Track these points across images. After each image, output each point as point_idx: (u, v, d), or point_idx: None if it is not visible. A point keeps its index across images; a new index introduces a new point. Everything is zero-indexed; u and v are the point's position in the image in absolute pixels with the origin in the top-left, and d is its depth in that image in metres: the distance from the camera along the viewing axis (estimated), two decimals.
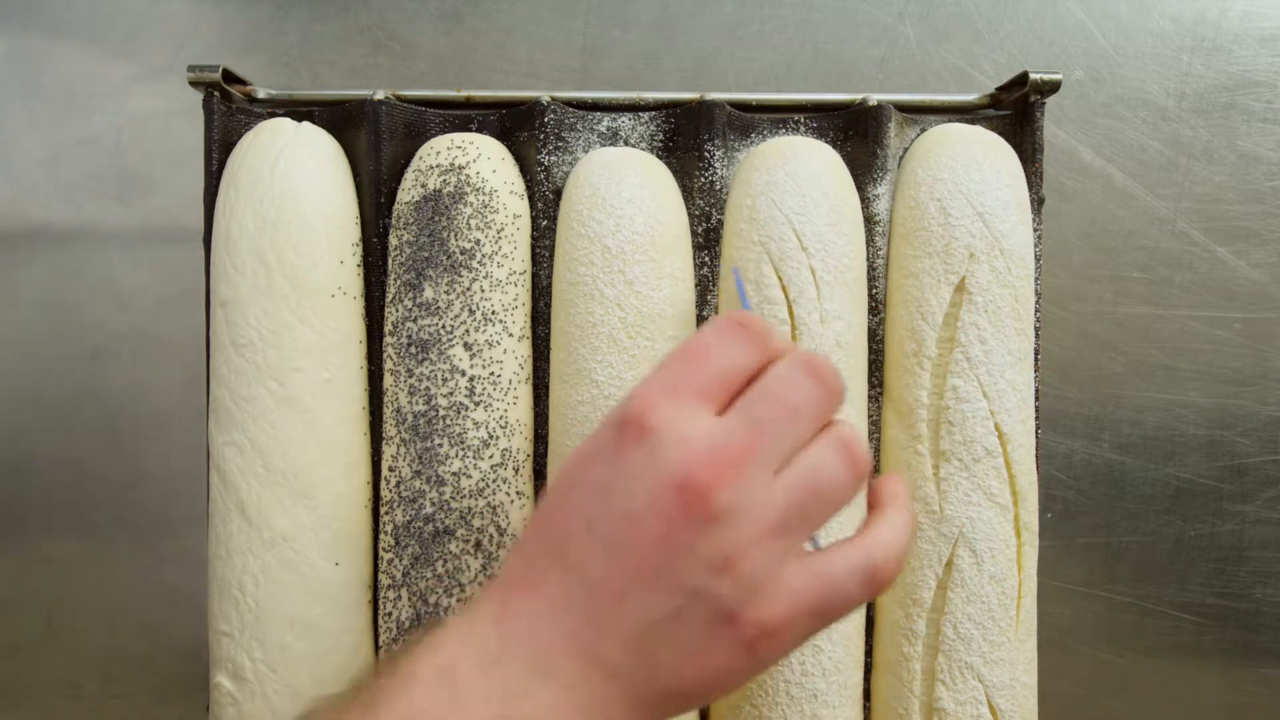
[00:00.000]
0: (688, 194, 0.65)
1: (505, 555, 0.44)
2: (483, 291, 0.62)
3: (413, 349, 0.62)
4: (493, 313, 0.62)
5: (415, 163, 0.65)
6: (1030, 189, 0.64)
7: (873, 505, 0.47)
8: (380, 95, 0.65)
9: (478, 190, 0.63)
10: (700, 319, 0.64)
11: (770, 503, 0.40)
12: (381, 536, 0.63)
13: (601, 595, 0.39)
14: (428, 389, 0.61)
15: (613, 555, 0.40)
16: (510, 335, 0.62)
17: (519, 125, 0.66)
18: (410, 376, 0.62)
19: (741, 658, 0.40)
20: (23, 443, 0.83)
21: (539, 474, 0.64)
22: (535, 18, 0.82)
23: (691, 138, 0.65)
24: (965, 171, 0.62)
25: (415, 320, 0.62)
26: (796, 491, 0.41)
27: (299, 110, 0.67)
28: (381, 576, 0.63)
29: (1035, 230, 0.65)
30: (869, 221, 0.65)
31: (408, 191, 0.64)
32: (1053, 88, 0.64)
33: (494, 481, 0.61)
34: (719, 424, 0.41)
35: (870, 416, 0.65)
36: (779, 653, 0.41)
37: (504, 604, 0.41)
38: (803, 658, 0.59)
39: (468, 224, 0.62)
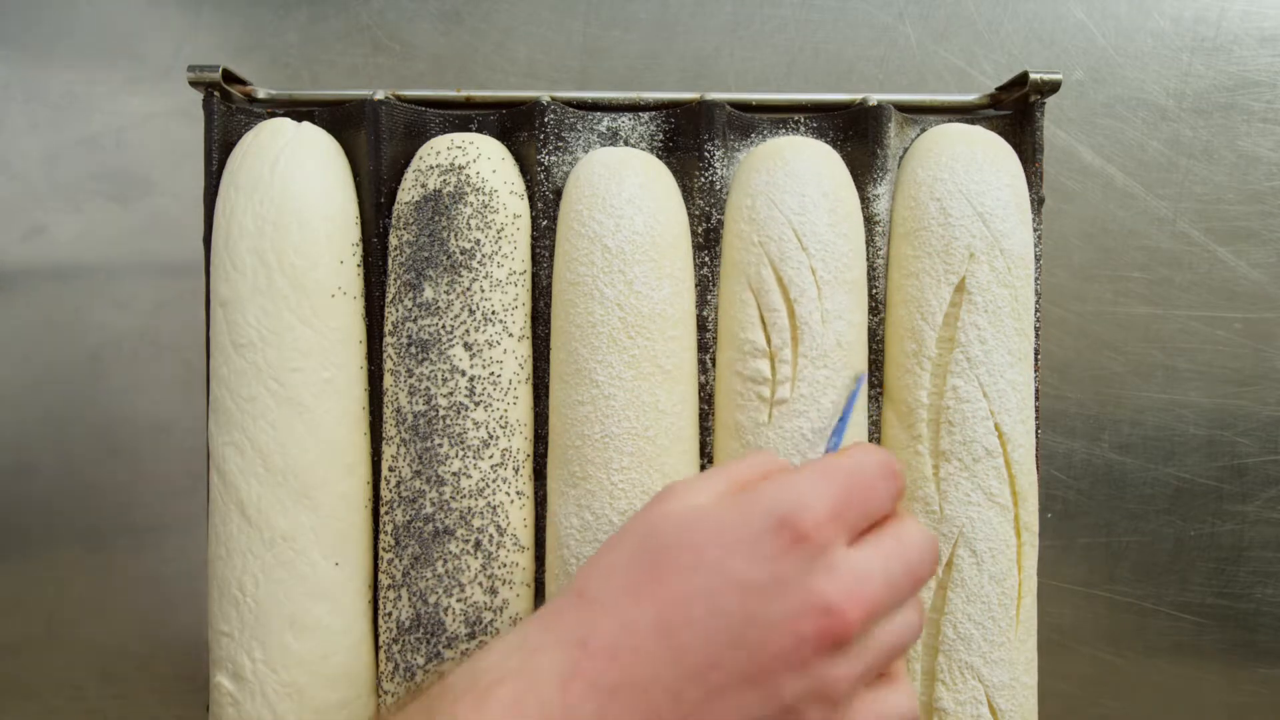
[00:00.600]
0: (688, 194, 0.65)
1: (574, 602, 0.42)
2: (483, 291, 0.62)
3: (413, 349, 0.62)
4: (493, 313, 0.62)
5: (415, 163, 0.65)
6: (1030, 189, 0.64)
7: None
8: (380, 95, 0.65)
9: (478, 190, 0.63)
10: (700, 319, 0.64)
11: (871, 650, 0.42)
12: (381, 536, 0.63)
13: (699, 686, 0.39)
14: (428, 389, 0.61)
15: (730, 651, 0.39)
16: (510, 335, 0.62)
17: (519, 125, 0.66)
18: (410, 376, 0.62)
19: None
20: (23, 444, 0.83)
21: (539, 474, 0.64)
22: (535, 18, 0.81)
23: (691, 138, 0.65)
24: (965, 171, 0.62)
25: (415, 320, 0.62)
26: (888, 648, 0.43)
27: (299, 110, 0.67)
28: (381, 576, 0.63)
29: (1035, 230, 0.65)
30: (869, 221, 0.65)
31: (408, 191, 0.64)
32: (1053, 88, 0.64)
33: (494, 481, 0.61)
34: (860, 564, 0.42)
35: (870, 416, 0.65)
36: None
37: (577, 666, 0.39)
38: None
39: (468, 224, 0.62)
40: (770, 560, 0.40)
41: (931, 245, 0.62)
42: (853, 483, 0.43)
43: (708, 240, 0.65)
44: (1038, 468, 0.63)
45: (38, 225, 0.83)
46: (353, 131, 0.66)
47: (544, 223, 0.65)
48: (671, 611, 0.40)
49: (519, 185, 0.65)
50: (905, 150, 0.66)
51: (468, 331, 0.61)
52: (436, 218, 0.62)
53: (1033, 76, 0.64)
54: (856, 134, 0.66)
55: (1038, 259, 0.65)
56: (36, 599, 0.83)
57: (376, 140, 0.65)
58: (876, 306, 0.65)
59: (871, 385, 0.65)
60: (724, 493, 0.45)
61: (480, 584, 0.61)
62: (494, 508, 0.61)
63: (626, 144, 0.67)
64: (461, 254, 0.62)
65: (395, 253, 0.64)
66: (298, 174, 0.62)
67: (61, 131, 0.83)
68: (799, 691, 0.39)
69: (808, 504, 0.41)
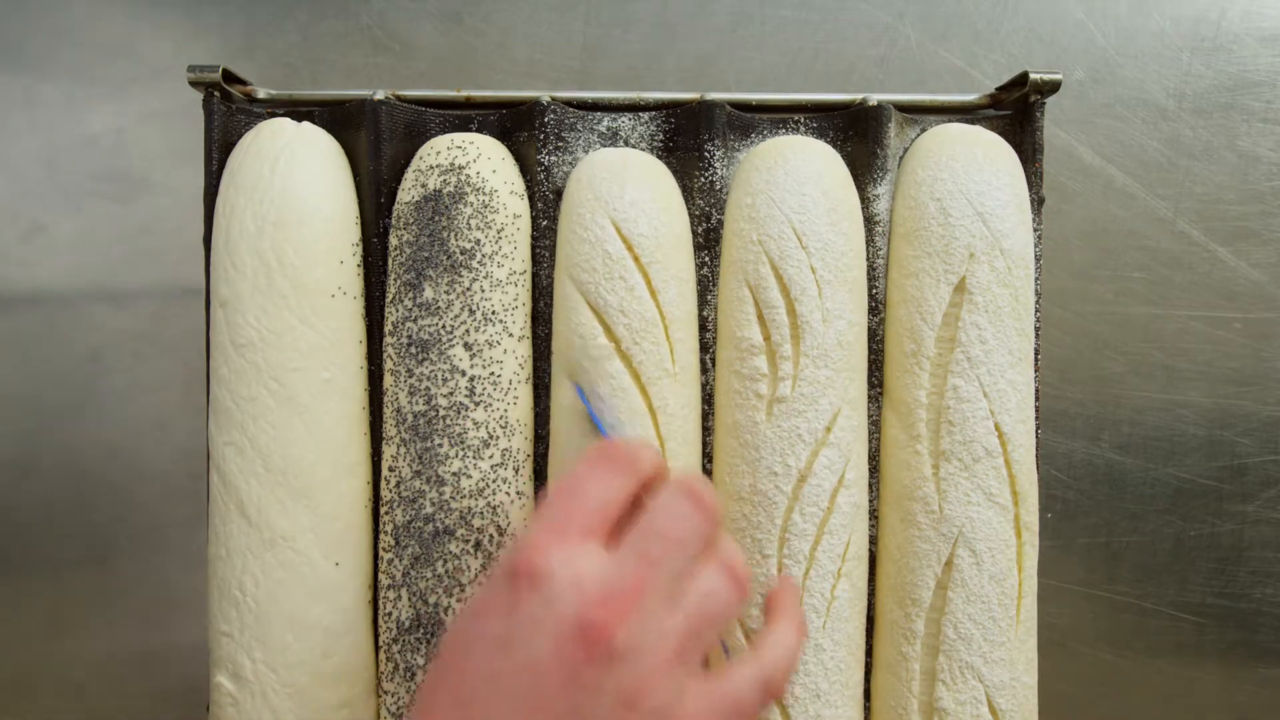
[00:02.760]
0: (688, 194, 0.65)
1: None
2: (483, 291, 0.62)
3: (413, 349, 0.62)
4: (493, 313, 0.62)
5: (415, 163, 0.65)
6: (1030, 189, 0.64)
7: (768, 615, 0.49)
8: (380, 95, 0.65)
9: (478, 190, 0.63)
10: (701, 319, 0.64)
11: (668, 634, 0.41)
12: (381, 536, 0.63)
13: None
14: (428, 389, 0.61)
15: (521, 708, 0.39)
16: (510, 335, 0.62)
17: (519, 125, 0.66)
18: (410, 376, 0.62)
19: None
20: (23, 443, 0.83)
21: (539, 474, 0.64)
22: (535, 18, 0.81)
23: (691, 138, 0.65)
24: (965, 171, 0.62)
25: (415, 320, 0.62)
26: (690, 620, 0.42)
27: (299, 110, 0.67)
28: (381, 576, 0.63)
29: (1035, 230, 0.65)
30: (869, 221, 0.65)
31: (408, 191, 0.64)
32: (1053, 88, 0.64)
33: (494, 481, 0.61)
34: (610, 562, 0.41)
35: (870, 416, 0.65)
36: None
37: None
38: (805, 658, 0.59)
39: (468, 224, 0.62)
40: (513, 609, 0.41)
41: (931, 245, 0.62)
42: (562, 492, 0.44)
43: (708, 240, 0.65)
44: (1038, 468, 0.63)
45: (38, 225, 0.83)
46: (353, 131, 0.66)
47: (544, 223, 0.65)
48: (460, 700, 0.41)
49: (519, 185, 0.65)
50: (905, 150, 0.66)
51: (468, 331, 0.61)
52: (436, 218, 0.62)
53: (1033, 76, 0.64)
54: (856, 134, 0.66)
55: (1038, 259, 0.65)
56: (36, 599, 0.83)
57: (376, 140, 0.65)
58: (876, 306, 0.65)
59: (871, 385, 0.65)
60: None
61: (480, 584, 0.61)
62: (494, 508, 0.61)
63: (626, 144, 0.67)
64: (461, 254, 0.62)
65: (395, 253, 0.64)
66: (298, 174, 0.62)
67: (61, 131, 0.83)
68: (605, 710, 0.39)
69: (525, 541, 0.42)
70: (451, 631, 0.43)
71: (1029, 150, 0.65)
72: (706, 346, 0.64)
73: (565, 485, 0.44)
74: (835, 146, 0.66)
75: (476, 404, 0.61)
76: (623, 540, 0.43)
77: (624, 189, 0.61)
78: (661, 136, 0.67)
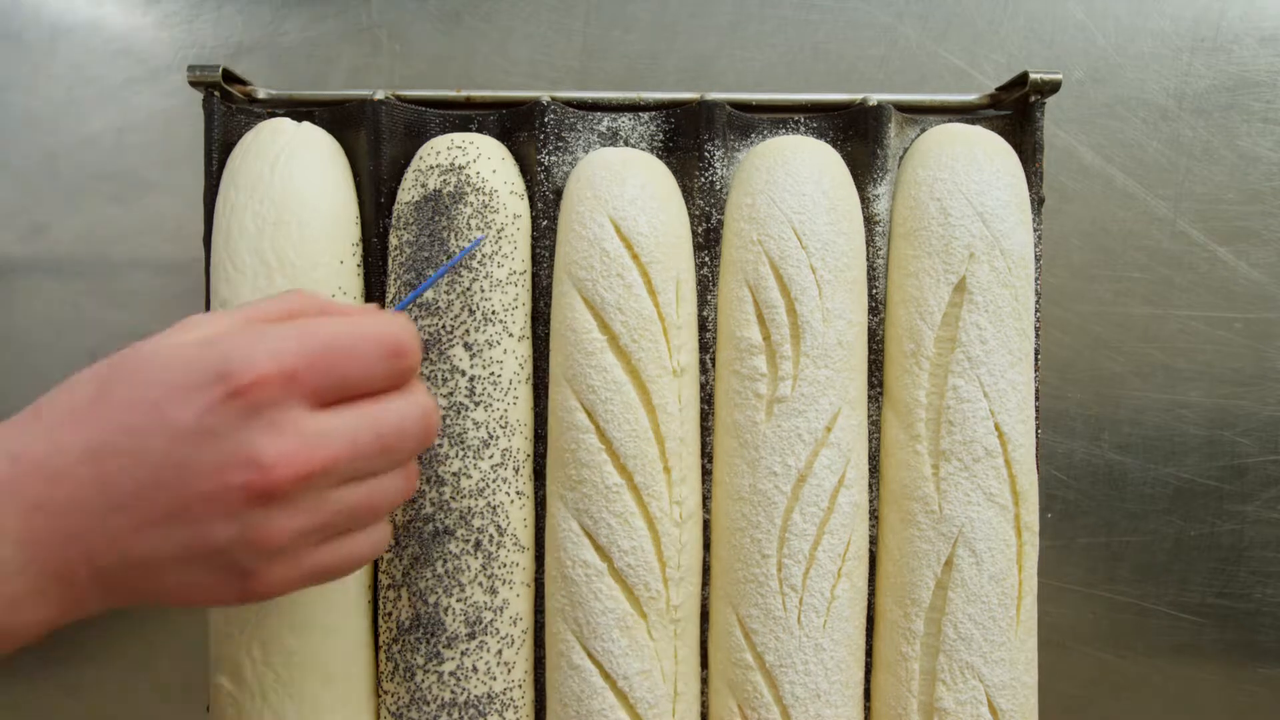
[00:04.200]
0: (688, 194, 0.65)
1: (27, 416, 0.43)
2: (483, 292, 0.62)
3: None
4: (493, 313, 0.62)
5: (415, 163, 0.65)
6: (1030, 189, 0.64)
7: None
8: (380, 95, 0.65)
9: (478, 190, 0.62)
10: (701, 319, 0.64)
11: (323, 508, 0.42)
12: None
13: (125, 516, 0.40)
14: (427, 389, 0.61)
15: (154, 490, 0.40)
16: (510, 335, 0.62)
17: (519, 125, 0.66)
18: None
19: (234, 599, 0.43)
20: None
21: (539, 474, 0.64)
22: (535, 18, 0.81)
23: (691, 138, 0.65)
24: (965, 171, 0.62)
25: (415, 320, 0.62)
26: (352, 508, 0.44)
27: (299, 110, 0.67)
28: (381, 576, 0.63)
29: (1035, 230, 0.65)
30: (869, 221, 0.65)
31: (408, 191, 0.64)
32: (1053, 88, 0.64)
33: (494, 481, 0.61)
34: (316, 426, 0.42)
35: (870, 416, 0.65)
36: (270, 598, 0.44)
37: (8, 476, 0.40)
38: (805, 658, 0.59)
39: (468, 224, 0.62)
40: (203, 409, 0.40)
41: (931, 245, 0.62)
42: (326, 347, 0.42)
43: (708, 240, 0.65)
44: (1038, 468, 0.63)
45: (38, 225, 0.83)
46: (353, 131, 0.66)
47: (544, 223, 0.65)
48: (102, 441, 0.41)
49: (519, 185, 0.65)
50: (905, 150, 0.66)
51: (468, 331, 0.61)
52: (436, 218, 0.62)
53: (1033, 76, 0.64)
54: (856, 134, 0.66)
55: (1038, 259, 0.65)
56: None
57: (376, 140, 0.65)
58: (876, 306, 0.65)
59: (871, 385, 0.65)
60: (236, 326, 0.44)
61: (480, 584, 0.61)
62: (494, 508, 0.61)
63: (626, 144, 0.67)
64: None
65: (395, 253, 0.64)
66: (298, 174, 0.62)
67: (61, 131, 0.82)
68: (228, 537, 0.40)
69: (256, 360, 0.41)
70: (128, 359, 0.43)
71: (1029, 150, 0.65)
72: (706, 346, 0.64)
73: (340, 340, 0.43)
74: (835, 146, 0.66)
75: (476, 404, 0.61)
76: (342, 408, 0.43)
77: (623, 188, 0.61)
78: (661, 136, 0.67)
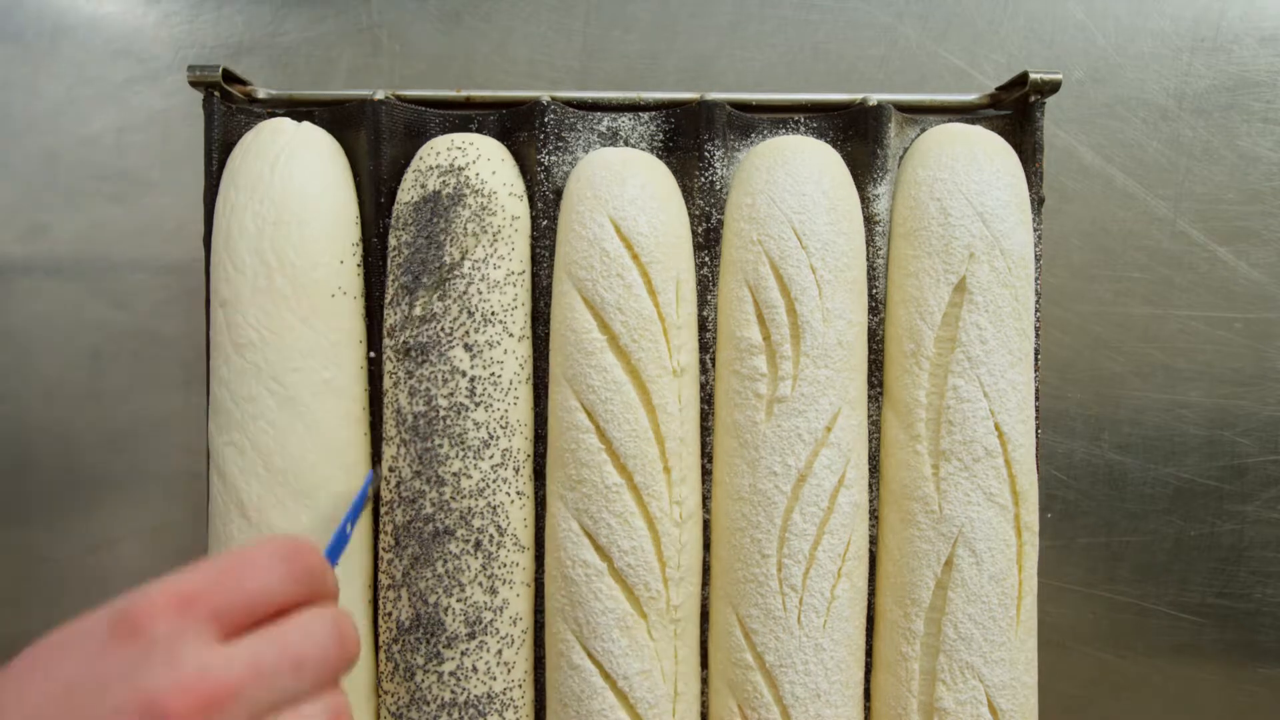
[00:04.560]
0: (688, 194, 0.65)
1: None
2: (480, 294, 0.62)
3: (412, 350, 0.62)
4: (492, 314, 0.62)
5: (415, 163, 0.65)
6: (1030, 189, 0.64)
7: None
8: (380, 95, 0.65)
9: (476, 192, 0.62)
10: (701, 319, 0.64)
11: None
12: (381, 536, 0.63)
13: None
14: (428, 390, 0.61)
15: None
16: (510, 336, 0.62)
17: (519, 125, 0.66)
18: (410, 378, 0.62)
19: None
20: (23, 442, 0.83)
21: (539, 474, 0.64)
22: (535, 18, 0.81)
23: (691, 138, 0.65)
24: (965, 171, 0.62)
25: (414, 322, 0.62)
26: None
27: (299, 110, 0.67)
28: (381, 576, 0.63)
29: (1035, 230, 0.65)
30: (869, 221, 0.65)
31: (407, 192, 0.64)
32: (1053, 88, 0.64)
33: (494, 482, 0.61)
34: (215, 654, 0.39)
35: (870, 416, 0.65)
36: None
37: None
38: (805, 658, 0.59)
39: (465, 227, 0.62)
40: (96, 658, 0.38)
41: (931, 245, 0.62)
42: (219, 570, 0.40)
43: (708, 240, 0.65)
44: (1038, 468, 0.63)
45: (38, 225, 0.83)
46: (353, 131, 0.66)
47: (544, 222, 0.65)
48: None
49: (518, 186, 0.65)
50: (905, 150, 0.66)
51: (468, 333, 0.61)
52: (435, 220, 0.62)
53: (1033, 76, 0.64)
54: (856, 134, 0.66)
55: (1038, 259, 0.65)
56: (36, 597, 0.83)
57: (376, 140, 0.65)
58: (876, 306, 0.65)
59: (871, 385, 0.65)
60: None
61: (480, 584, 0.61)
62: (494, 508, 0.61)
63: (626, 144, 0.67)
64: (456, 260, 0.62)
65: (394, 253, 0.64)
66: (298, 174, 0.62)
67: (61, 131, 0.82)
68: None
69: (148, 594, 0.39)
70: (34, 645, 0.40)
71: (1029, 150, 0.65)
72: (706, 346, 0.64)
73: (234, 559, 0.41)
74: (835, 146, 0.66)
75: (477, 404, 0.61)
76: (247, 636, 0.40)
77: (624, 188, 0.61)
78: (661, 136, 0.67)
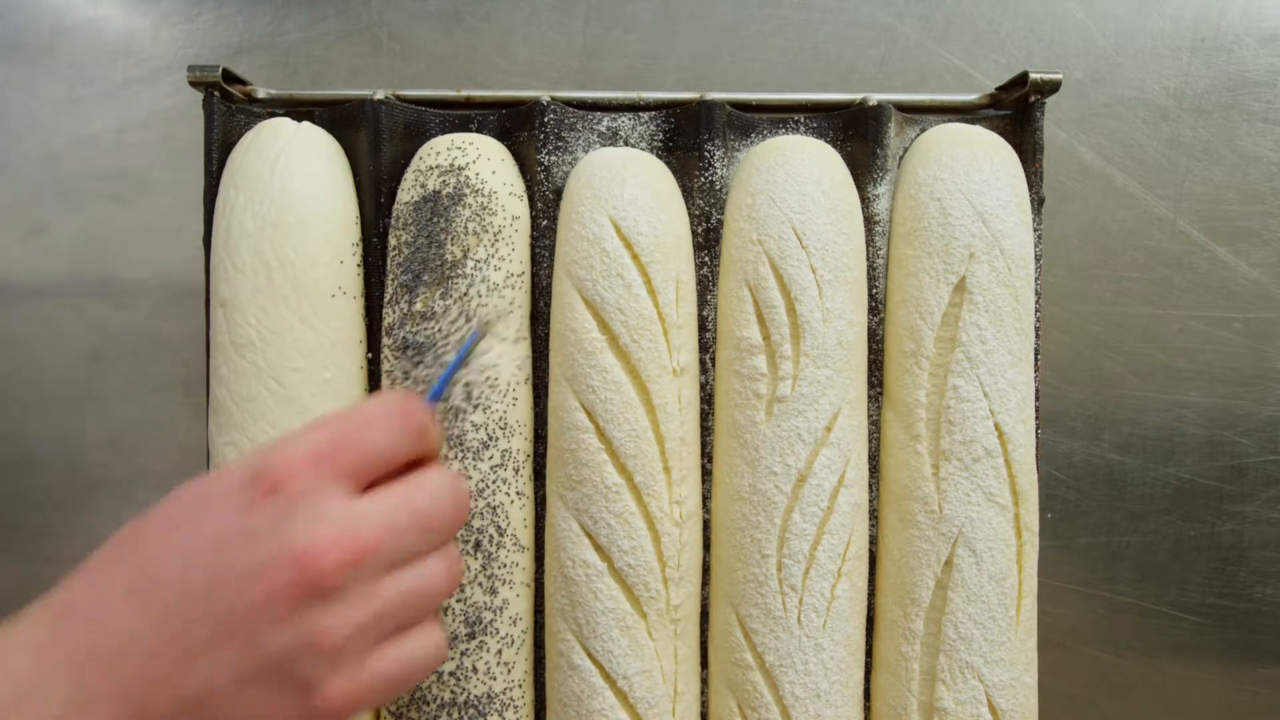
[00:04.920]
0: (688, 194, 0.65)
1: (79, 570, 0.41)
2: (479, 296, 0.62)
3: (409, 352, 0.62)
4: (487, 320, 0.62)
5: (415, 163, 0.65)
6: (1030, 189, 0.64)
7: None
8: (380, 95, 0.65)
9: (476, 192, 0.62)
10: (701, 319, 0.64)
11: (374, 598, 0.40)
12: None
13: (176, 646, 0.38)
14: (425, 391, 0.61)
15: (201, 610, 0.38)
16: (504, 340, 0.62)
17: (519, 125, 0.66)
18: (406, 379, 0.62)
19: None
20: (23, 442, 0.83)
21: (539, 474, 0.64)
22: (535, 18, 0.81)
23: (691, 138, 0.65)
24: (965, 171, 0.62)
25: (412, 322, 0.62)
26: (403, 596, 0.41)
27: (299, 110, 0.67)
28: None
29: (1035, 230, 0.65)
30: (869, 221, 0.65)
31: (407, 192, 0.64)
32: (1053, 87, 0.64)
33: (494, 482, 0.61)
34: (354, 510, 0.40)
35: (870, 416, 0.65)
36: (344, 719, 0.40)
37: (53, 634, 0.38)
38: (805, 658, 0.59)
39: (465, 227, 0.62)
40: (242, 512, 0.39)
41: (931, 245, 0.62)
42: (343, 429, 0.42)
43: (708, 240, 0.65)
44: (1038, 468, 0.63)
45: (38, 225, 0.83)
46: (353, 131, 0.66)
47: (544, 223, 0.65)
48: (143, 571, 0.39)
49: (518, 186, 0.65)
50: (905, 150, 0.66)
51: (463, 338, 0.61)
52: (435, 219, 0.62)
53: (1033, 76, 0.64)
54: (856, 134, 0.66)
55: (1038, 259, 0.65)
56: (36, 598, 0.83)
57: (376, 140, 0.65)
58: (876, 306, 0.65)
59: (871, 385, 0.65)
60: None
61: (480, 584, 0.61)
62: (494, 508, 0.61)
63: (626, 144, 0.67)
64: (458, 258, 0.62)
65: (394, 253, 0.64)
66: (298, 174, 0.62)
67: (61, 131, 0.82)
68: (284, 644, 0.38)
69: (285, 454, 0.40)
70: (171, 496, 0.41)
71: (1029, 150, 0.65)
72: (706, 346, 0.64)
73: (351, 418, 0.43)
74: (835, 146, 0.66)
75: (475, 406, 0.61)
76: (375, 492, 0.42)
77: (623, 188, 0.61)
78: (661, 136, 0.67)
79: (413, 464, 0.44)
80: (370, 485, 0.42)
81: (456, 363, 0.57)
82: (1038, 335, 0.64)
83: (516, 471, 0.62)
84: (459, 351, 0.58)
